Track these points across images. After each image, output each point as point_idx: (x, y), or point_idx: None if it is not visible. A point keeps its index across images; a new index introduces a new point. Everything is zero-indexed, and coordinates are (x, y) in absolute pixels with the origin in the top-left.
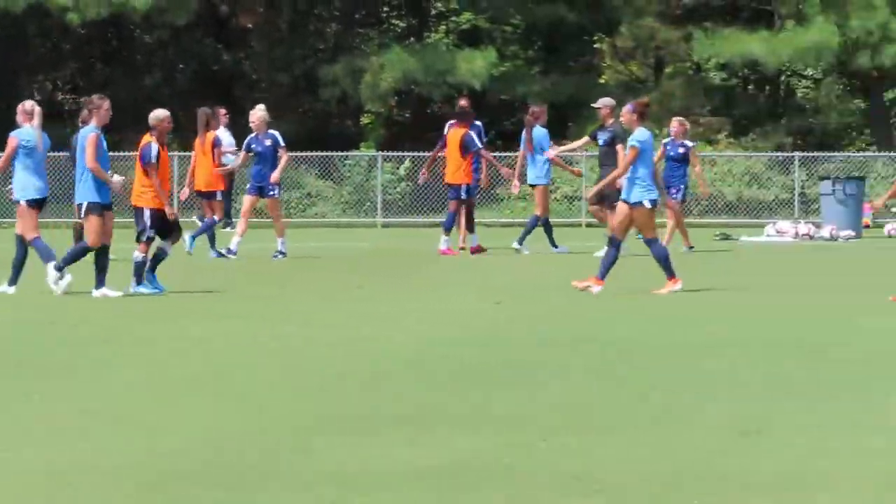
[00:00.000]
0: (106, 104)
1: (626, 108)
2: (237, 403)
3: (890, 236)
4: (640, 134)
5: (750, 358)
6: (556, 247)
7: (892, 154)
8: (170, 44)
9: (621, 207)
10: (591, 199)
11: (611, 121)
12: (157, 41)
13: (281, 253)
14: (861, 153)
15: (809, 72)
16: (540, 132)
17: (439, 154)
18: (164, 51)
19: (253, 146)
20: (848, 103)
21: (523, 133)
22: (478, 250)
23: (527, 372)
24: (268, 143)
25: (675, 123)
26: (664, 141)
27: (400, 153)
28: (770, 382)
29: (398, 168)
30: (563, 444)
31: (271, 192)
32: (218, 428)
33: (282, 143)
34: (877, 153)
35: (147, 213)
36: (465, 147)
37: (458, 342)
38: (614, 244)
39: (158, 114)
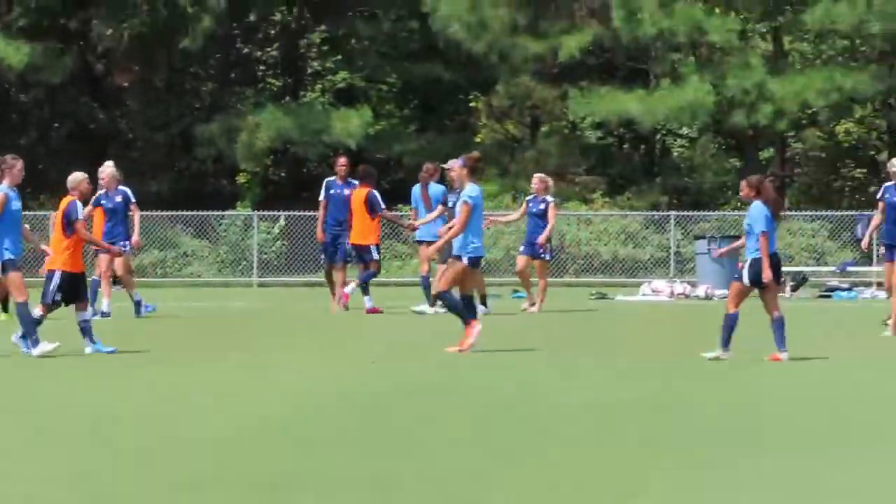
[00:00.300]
0: (19, 164)
1: (457, 163)
2: (91, 465)
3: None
4: (472, 189)
5: (618, 419)
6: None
7: None
8: (45, 102)
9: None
10: (431, 257)
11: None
12: (33, 100)
13: (137, 304)
14: (736, 212)
15: (685, 131)
16: (438, 189)
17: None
18: (40, 109)
19: (103, 202)
20: (723, 162)
21: (417, 190)
22: (374, 311)
23: (396, 437)
24: (118, 199)
25: (535, 180)
26: (527, 198)
27: (276, 212)
28: (641, 443)
29: (274, 227)
30: None
31: (122, 249)
32: (73, 488)
33: (132, 199)
34: None
35: (57, 276)
36: (373, 207)
37: (325, 404)
38: (481, 302)
39: (77, 176)
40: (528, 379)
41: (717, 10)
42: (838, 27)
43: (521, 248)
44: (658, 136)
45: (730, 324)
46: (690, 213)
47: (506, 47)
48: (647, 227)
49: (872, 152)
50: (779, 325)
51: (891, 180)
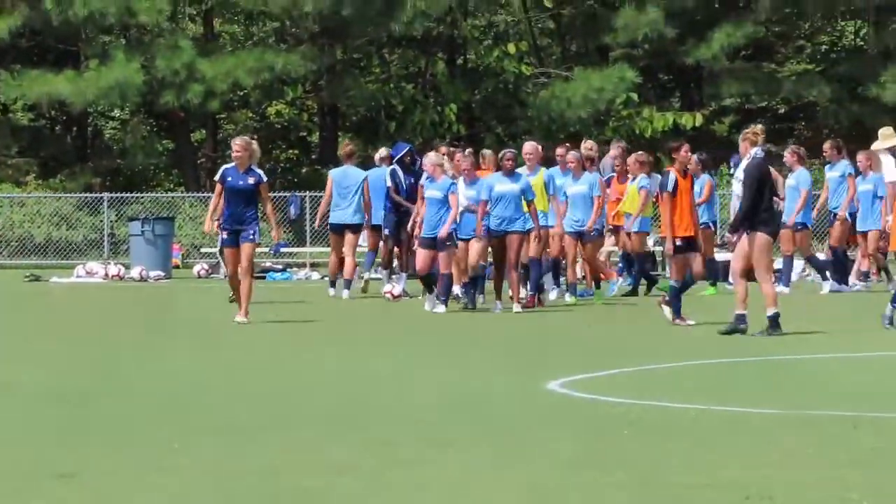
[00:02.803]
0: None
1: None
2: None
3: (199, 277)
4: None
5: (45, 402)
6: None
7: (199, 194)
8: None
9: None
10: None
11: None
12: None
13: None
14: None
15: (117, 113)
16: None
17: None
18: None
19: None
20: (155, 144)
21: None
22: None
23: None
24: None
25: None
26: None
27: None
28: (74, 426)
29: None
30: None
31: None
32: None
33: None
34: (185, 193)
35: None
36: None
37: None
38: None
39: None
40: None
41: None
42: (270, 9)
43: None
44: (90, 119)
45: None
46: (124, 194)
47: None
48: (81, 209)
49: (304, 133)
50: None
51: (231, 163)
